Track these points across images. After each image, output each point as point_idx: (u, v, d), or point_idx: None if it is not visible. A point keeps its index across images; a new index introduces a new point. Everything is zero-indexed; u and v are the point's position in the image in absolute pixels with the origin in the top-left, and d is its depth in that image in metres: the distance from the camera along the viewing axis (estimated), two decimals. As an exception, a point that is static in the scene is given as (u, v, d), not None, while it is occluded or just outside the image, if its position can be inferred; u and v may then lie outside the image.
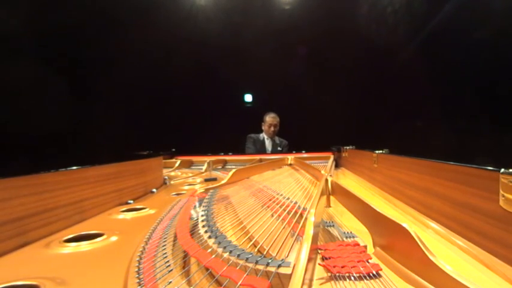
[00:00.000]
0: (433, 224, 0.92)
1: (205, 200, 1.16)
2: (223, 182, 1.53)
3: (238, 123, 3.97)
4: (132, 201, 1.37)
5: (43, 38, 3.04)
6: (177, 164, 2.56)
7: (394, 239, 0.66)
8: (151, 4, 3.99)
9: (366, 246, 0.73)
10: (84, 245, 0.83)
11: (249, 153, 3.13)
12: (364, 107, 4.07)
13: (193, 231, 0.81)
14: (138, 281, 0.57)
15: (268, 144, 3.42)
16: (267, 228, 0.80)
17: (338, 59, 4.08)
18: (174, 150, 2.93)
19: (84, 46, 3.41)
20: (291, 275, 0.50)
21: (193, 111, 4.37)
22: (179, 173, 2.40)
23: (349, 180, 1.90)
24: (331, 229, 0.88)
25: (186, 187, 1.75)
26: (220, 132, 4.06)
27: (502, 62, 2.93)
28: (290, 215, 0.90)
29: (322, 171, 1.47)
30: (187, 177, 2.16)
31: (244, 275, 0.52)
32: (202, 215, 0.92)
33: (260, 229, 0.80)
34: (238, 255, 0.60)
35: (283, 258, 0.60)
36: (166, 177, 1.94)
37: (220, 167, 2.66)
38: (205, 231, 0.77)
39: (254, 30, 4.20)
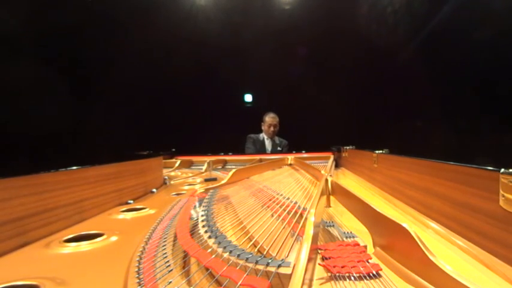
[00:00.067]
0: (433, 224, 0.92)
1: (205, 200, 1.16)
2: (223, 182, 1.53)
3: (238, 123, 3.97)
4: (132, 201, 1.37)
5: (43, 38, 3.04)
6: (177, 164, 2.56)
7: (394, 239, 0.66)
8: (151, 4, 3.99)
9: (366, 246, 0.73)
10: (84, 245, 0.83)
11: (248, 154, 3.13)
12: (364, 107, 4.07)
13: (193, 231, 0.81)
14: (138, 281, 0.57)
15: (268, 144, 3.42)
16: (267, 228, 0.80)
17: (338, 59, 4.08)
18: (174, 150, 2.93)
19: (84, 46, 3.41)
20: (291, 275, 0.50)
21: (193, 111, 4.37)
22: (179, 173, 2.40)
23: (349, 180, 1.90)
24: (331, 229, 0.88)
25: (186, 187, 1.75)
26: (220, 132, 4.06)
27: (502, 62, 2.93)
28: (290, 215, 0.90)
29: (322, 171, 1.47)
30: (187, 177, 2.16)
31: (244, 275, 0.52)
32: (202, 215, 0.92)
33: (260, 229, 0.80)
34: (238, 255, 0.60)
35: (283, 258, 0.60)
36: (166, 177, 1.94)
37: (220, 167, 2.66)
38: (205, 231, 0.77)
39: (254, 30, 4.20)
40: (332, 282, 0.59)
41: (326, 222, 0.92)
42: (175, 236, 0.78)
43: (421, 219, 0.98)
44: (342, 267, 0.61)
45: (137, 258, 0.68)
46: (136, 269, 0.62)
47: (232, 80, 4.35)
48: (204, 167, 2.39)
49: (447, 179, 0.87)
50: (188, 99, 4.32)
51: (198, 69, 4.20)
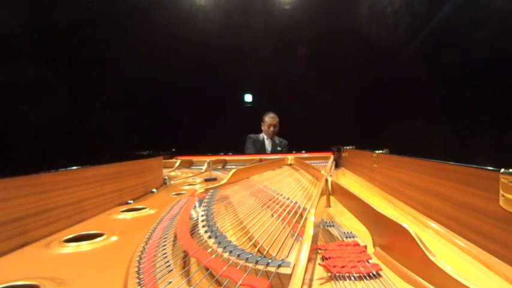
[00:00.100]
0: (433, 224, 0.92)
1: (205, 200, 1.16)
2: (223, 182, 1.53)
3: (238, 123, 3.97)
4: (132, 201, 1.37)
5: (43, 38, 3.04)
6: (177, 164, 2.56)
7: (394, 239, 0.66)
8: (151, 4, 3.99)
9: (366, 246, 0.73)
10: (84, 245, 0.83)
11: (248, 154, 3.13)
12: (364, 107, 4.07)
13: (193, 231, 0.81)
14: (138, 281, 0.57)
15: (268, 144, 3.42)
16: (267, 228, 0.80)
17: (338, 59, 4.07)
18: (174, 150, 2.93)
19: (84, 46, 3.41)
20: (291, 275, 0.50)
21: (193, 111, 4.37)
22: (179, 173, 2.40)
23: (349, 180, 1.90)
24: (331, 229, 0.88)
25: (186, 187, 1.75)
26: (220, 132, 4.06)
27: (502, 62, 2.93)
28: (290, 215, 0.90)
29: (322, 171, 1.47)
30: (187, 177, 2.16)
31: (244, 275, 0.52)
32: (202, 215, 0.92)
33: (260, 229, 0.80)
34: (238, 255, 0.60)
35: (283, 258, 0.60)
36: (166, 177, 1.94)
37: (220, 167, 2.66)
38: (205, 231, 0.77)
39: (254, 30, 4.19)
40: (332, 282, 0.59)
41: (326, 222, 0.92)
42: (175, 236, 0.78)
43: (421, 219, 0.98)
44: (342, 267, 0.61)
45: (137, 258, 0.68)
46: (136, 269, 0.62)
47: (232, 80, 4.35)
48: (204, 167, 2.39)
49: (447, 179, 0.87)
50: (188, 99, 4.32)
51: (198, 69, 4.20)
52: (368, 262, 0.63)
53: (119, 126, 3.55)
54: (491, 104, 3.06)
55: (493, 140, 2.89)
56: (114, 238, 0.88)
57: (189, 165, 2.76)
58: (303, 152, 2.81)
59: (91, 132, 3.37)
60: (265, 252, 0.65)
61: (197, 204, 1.12)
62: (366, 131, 3.75)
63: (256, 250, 0.69)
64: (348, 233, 0.81)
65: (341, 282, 0.58)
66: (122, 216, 1.15)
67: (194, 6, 4.34)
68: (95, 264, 0.72)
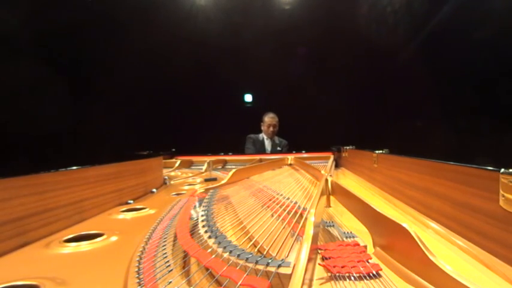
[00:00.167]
0: (433, 224, 0.92)
1: (205, 200, 1.16)
2: (223, 182, 1.53)
3: (238, 123, 3.97)
4: (132, 201, 1.37)
5: (43, 38, 3.04)
6: (177, 164, 2.56)
7: (394, 239, 0.66)
8: (151, 4, 3.99)
9: (366, 246, 0.73)
10: (84, 245, 0.83)
11: (248, 154, 3.13)
12: (364, 107, 4.07)
13: (193, 231, 0.81)
14: (138, 281, 0.57)
15: (267, 144, 3.42)
16: (267, 228, 0.80)
17: (338, 59, 4.07)
18: (174, 150, 2.93)
19: (84, 46, 3.41)
20: (291, 275, 0.50)
21: (193, 111, 4.37)
22: (179, 173, 2.40)
23: (349, 180, 1.90)
24: (331, 229, 0.88)
25: (186, 187, 1.75)
26: (220, 132, 4.06)
27: (502, 62, 2.93)
28: (290, 215, 0.90)
29: (322, 171, 1.47)
30: (187, 177, 2.16)
31: (244, 275, 0.52)
32: (202, 215, 0.92)
33: (260, 229, 0.80)
34: (238, 255, 0.60)
35: (283, 258, 0.60)
36: (166, 177, 1.94)
37: (220, 167, 2.66)
38: (205, 231, 0.77)
39: (254, 30, 4.19)
40: (332, 282, 0.59)
41: (326, 222, 0.92)
42: (175, 236, 0.78)
43: (421, 219, 0.98)
44: (342, 267, 0.61)
45: (137, 258, 0.68)
46: (136, 269, 0.62)
47: (232, 80, 4.35)
48: (204, 167, 2.39)
49: (447, 179, 0.87)
50: (188, 99, 4.32)
51: (198, 69, 4.20)
52: (368, 262, 0.63)
53: (119, 126, 3.55)
54: (491, 103, 3.06)
55: (493, 140, 2.89)
56: (114, 238, 0.88)
57: (189, 165, 2.76)
58: (303, 152, 2.81)
59: (91, 132, 3.37)
60: (265, 252, 0.65)
61: (197, 204, 1.12)
62: (366, 131, 3.75)
63: (256, 250, 0.69)
64: (348, 233, 0.81)
65: (341, 282, 0.58)
66: (122, 216, 1.15)
67: (194, 6, 4.34)
68: (95, 264, 0.72)
